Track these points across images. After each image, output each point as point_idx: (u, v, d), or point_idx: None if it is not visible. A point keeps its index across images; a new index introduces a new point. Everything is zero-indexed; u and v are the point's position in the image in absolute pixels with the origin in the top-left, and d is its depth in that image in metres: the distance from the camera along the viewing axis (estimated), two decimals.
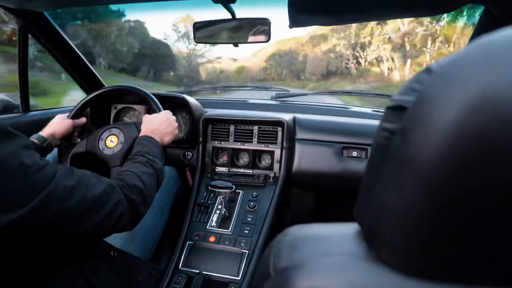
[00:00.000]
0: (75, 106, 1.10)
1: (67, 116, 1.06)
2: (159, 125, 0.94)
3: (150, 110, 1.03)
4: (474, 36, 0.83)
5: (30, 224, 0.52)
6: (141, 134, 0.92)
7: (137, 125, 1.00)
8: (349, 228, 0.35)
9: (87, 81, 1.50)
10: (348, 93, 1.54)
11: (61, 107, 1.48)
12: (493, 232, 0.23)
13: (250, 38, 1.00)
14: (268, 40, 0.98)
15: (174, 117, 1.01)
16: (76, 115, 1.09)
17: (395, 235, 0.26)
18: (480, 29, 0.81)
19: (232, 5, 0.96)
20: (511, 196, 0.22)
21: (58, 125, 1.01)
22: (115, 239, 0.92)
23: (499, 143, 0.21)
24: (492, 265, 0.24)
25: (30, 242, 0.54)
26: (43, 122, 1.28)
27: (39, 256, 0.65)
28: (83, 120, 1.09)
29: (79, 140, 1.12)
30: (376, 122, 1.26)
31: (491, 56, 0.23)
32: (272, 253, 0.36)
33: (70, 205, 0.56)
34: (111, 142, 1.02)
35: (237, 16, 1.00)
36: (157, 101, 1.06)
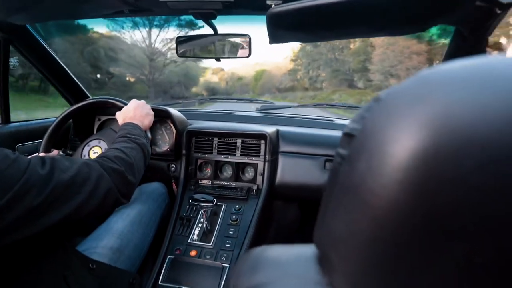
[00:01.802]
0: (43, 140, 1.10)
1: (39, 152, 1.06)
2: (133, 112, 0.96)
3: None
4: (447, 54, 0.86)
5: (9, 215, 0.52)
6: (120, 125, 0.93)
7: (114, 128, 1.01)
8: (310, 251, 0.35)
9: (71, 93, 1.49)
10: (332, 105, 1.57)
11: (42, 118, 1.46)
12: (435, 260, 0.24)
13: (232, 53, 1.02)
14: (249, 55, 1.00)
15: (143, 101, 1.03)
16: (46, 148, 1.09)
17: (343, 261, 0.27)
18: (452, 48, 0.84)
19: (214, 21, 0.97)
20: (448, 224, 0.22)
21: None
22: (101, 256, 0.91)
23: (435, 175, 0.22)
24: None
25: (11, 235, 0.55)
26: (23, 133, 1.27)
27: (20, 261, 0.64)
28: (54, 153, 1.09)
29: (61, 152, 1.12)
30: None
31: (429, 90, 0.24)
32: (234, 273, 0.36)
33: (46, 191, 0.57)
34: (95, 153, 1.02)
35: (219, 32, 1.02)
36: (119, 99, 1.10)
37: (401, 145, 0.23)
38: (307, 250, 0.36)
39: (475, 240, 0.22)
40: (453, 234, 0.22)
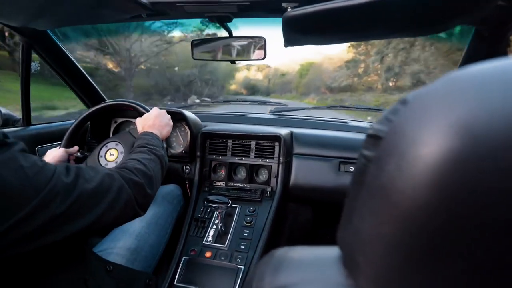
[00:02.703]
0: (65, 135, 1.13)
1: (59, 146, 1.08)
2: (154, 120, 0.97)
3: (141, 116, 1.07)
4: (466, 55, 0.85)
5: (32, 222, 0.53)
6: (139, 132, 0.94)
7: (131, 132, 1.02)
8: (333, 252, 0.35)
9: (88, 95, 1.53)
10: (346, 107, 1.56)
11: (62, 121, 1.50)
12: (465, 263, 0.23)
13: (247, 56, 1.03)
14: (264, 57, 1.00)
15: (164, 110, 1.04)
16: (67, 143, 1.11)
17: (369, 263, 0.26)
18: (472, 49, 0.83)
19: (229, 24, 0.98)
20: (481, 227, 0.22)
21: (53, 155, 1.03)
22: (118, 257, 0.92)
23: (469, 178, 0.21)
24: None
25: (34, 242, 0.55)
26: (44, 135, 1.31)
27: (42, 266, 0.65)
28: (75, 148, 1.11)
29: (78, 154, 1.14)
30: None
31: (461, 91, 0.24)
32: (256, 275, 0.36)
33: (69, 201, 0.58)
34: (112, 155, 1.03)
35: (234, 34, 1.03)
36: (141, 104, 1.09)
37: (432, 147, 0.23)
38: (330, 252, 0.36)
39: (499, 242, 0.22)
40: (478, 237, 0.22)
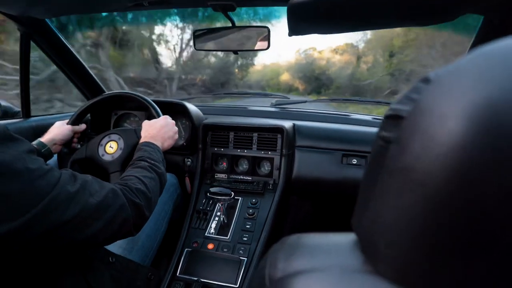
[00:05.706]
0: (75, 112, 1.11)
1: (67, 123, 1.07)
2: (159, 130, 0.95)
3: (150, 116, 1.04)
4: (474, 45, 0.83)
5: (32, 230, 0.51)
6: (142, 140, 0.92)
7: (137, 131, 1.00)
8: (347, 238, 0.34)
9: (87, 87, 1.51)
10: (347, 100, 1.55)
11: (62, 113, 1.48)
12: (496, 244, 0.23)
13: (250, 46, 1.01)
14: (268, 47, 0.99)
15: (173, 122, 1.01)
16: (75, 121, 1.10)
17: (391, 247, 0.26)
18: (480, 38, 0.81)
19: (231, 13, 0.97)
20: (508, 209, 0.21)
21: (58, 131, 1.02)
22: (115, 247, 0.91)
23: (500, 154, 0.21)
24: (494, 279, 0.24)
25: (33, 249, 0.54)
26: (43, 127, 1.29)
27: (42, 264, 0.64)
28: (82, 126, 1.10)
29: (79, 146, 1.13)
30: (376, 130, 1.26)
31: (491, 66, 0.23)
32: (268, 262, 0.36)
33: (72, 212, 0.56)
34: (111, 148, 1.02)
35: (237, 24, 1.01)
36: (156, 106, 1.07)
37: (460, 124, 0.22)
38: (344, 238, 0.35)
39: None
40: (509, 219, 0.21)
